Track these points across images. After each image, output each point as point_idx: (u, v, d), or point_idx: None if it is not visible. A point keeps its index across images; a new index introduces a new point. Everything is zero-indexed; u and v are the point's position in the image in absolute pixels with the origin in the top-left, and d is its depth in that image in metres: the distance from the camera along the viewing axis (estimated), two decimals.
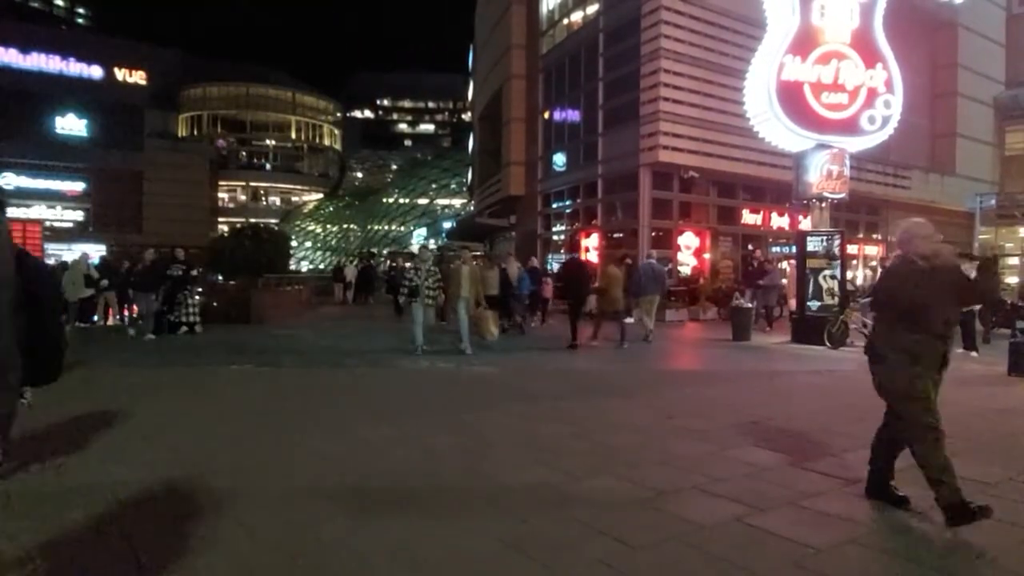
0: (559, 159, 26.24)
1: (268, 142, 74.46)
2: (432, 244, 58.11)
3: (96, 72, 59.18)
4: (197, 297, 13.64)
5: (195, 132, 69.23)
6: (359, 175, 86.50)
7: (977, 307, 12.14)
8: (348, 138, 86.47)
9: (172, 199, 56.98)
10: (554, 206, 27.44)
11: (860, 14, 13.67)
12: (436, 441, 5.37)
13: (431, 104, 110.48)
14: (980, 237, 28.82)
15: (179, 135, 66.93)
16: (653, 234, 21.49)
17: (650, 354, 11.89)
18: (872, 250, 27.76)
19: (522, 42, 28.51)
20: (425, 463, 4.78)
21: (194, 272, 13.80)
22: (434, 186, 62.75)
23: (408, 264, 10.99)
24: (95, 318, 15.80)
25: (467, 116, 64.81)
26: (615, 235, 23.36)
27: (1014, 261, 28.81)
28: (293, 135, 74.87)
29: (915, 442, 3.78)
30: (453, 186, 60.55)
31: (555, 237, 27.71)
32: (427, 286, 10.42)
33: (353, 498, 4.01)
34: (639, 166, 20.80)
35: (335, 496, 4.03)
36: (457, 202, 61.41)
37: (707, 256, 22.26)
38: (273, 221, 55.30)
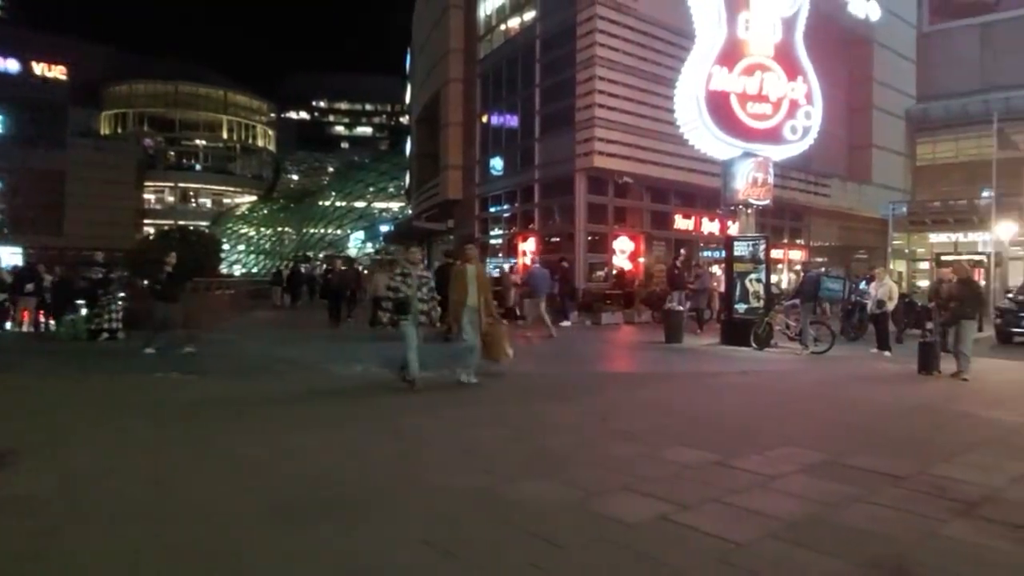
0: (497, 163, 26.35)
1: (198, 142, 72.02)
2: (370, 247, 57.43)
3: (12, 66, 56.00)
4: (120, 303, 13.03)
5: (120, 130, 66.28)
6: (294, 177, 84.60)
7: (890, 309, 12.85)
8: (283, 139, 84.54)
9: (95, 200, 54.37)
10: (492, 210, 27.54)
11: (782, 28, 14.27)
12: (368, 447, 5.30)
13: (368, 106, 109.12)
14: (894, 243, 30.45)
15: (103, 133, 63.92)
16: (589, 238, 21.83)
17: (585, 357, 12.06)
18: (796, 255, 28.96)
19: (460, 46, 28.52)
20: (355, 468, 4.71)
21: (114, 276, 13.19)
22: (371, 189, 61.97)
23: (395, 271, 8.38)
24: (8, 325, 14.90)
25: (405, 119, 64.35)
26: (552, 239, 23.61)
27: (924, 266, 30.57)
28: (225, 135, 72.63)
29: None
30: (391, 189, 59.92)
31: (493, 241, 27.78)
32: (421, 298, 7.88)
33: (278, 505, 3.91)
34: (575, 171, 21.12)
35: (258, 503, 3.92)
36: (395, 205, 60.80)
37: (641, 260, 22.76)
38: (204, 224, 53.44)
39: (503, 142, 26.25)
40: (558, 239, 23.36)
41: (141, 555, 3.23)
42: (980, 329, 11.25)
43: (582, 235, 21.57)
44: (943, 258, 21.62)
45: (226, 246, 49.35)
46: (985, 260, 22.82)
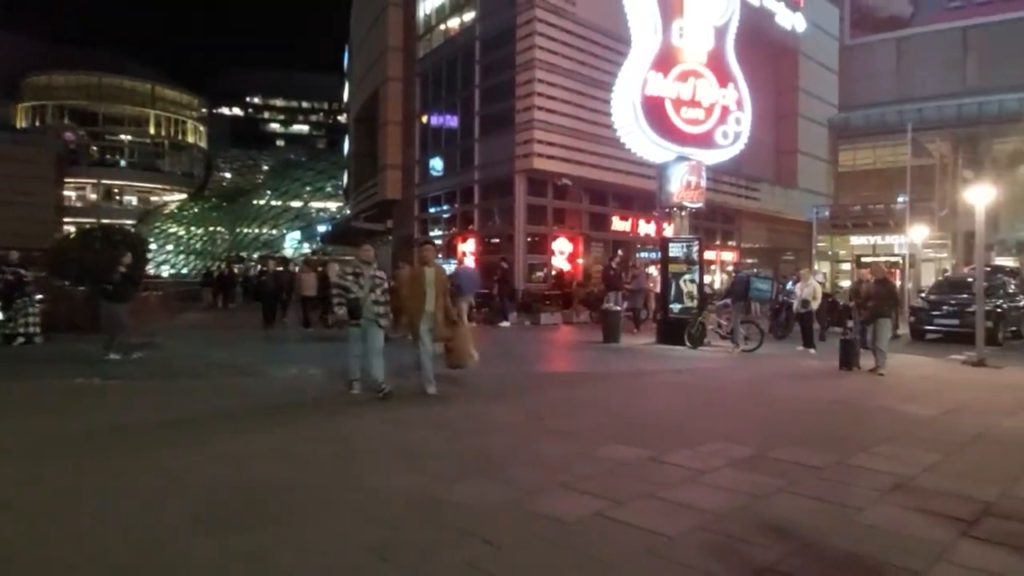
0: (436, 164, 26.23)
1: (124, 137, 68.86)
2: (306, 248, 56.19)
3: None
4: (37, 305, 12.32)
5: (37, 123, 62.70)
6: (227, 175, 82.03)
7: (814, 308, 13.42)
8: (215, 136, 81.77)
9: (11, 196, 51.17)
10: (431, 211, 27.40)
11: (715, 37, 14.72)
12: (304, 450, 5.19)
13: (305, 104, 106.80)
14: (818, 245, 31.84)
15: (19, 126, 60.33)
16: (528, 239, 21.98)
17: (524, 357, 12.13)
18: (728, 256, 29.91)
19: (399, 45, 28.27)
20: (288, 473, 4.61)
21: (28, 276, 12.46)
22: (308, 188, 60.72)
23: (345, 270, 7.67)
24: None
25: (343, 117, 63.25)
26: (492, 240, 23.66)
27: (846, 267, 32.08)
28: (152, 130, 69.71)
29: None
30: (328, 189, 58.88)
31: (432, 242, 27.60)
32: (375, 300, 7.28)
33: (210, 512, 3.79)
34: (514, 172, 21.23)
35: (190, 510, 3.79)
36: (332, 205, 59.76)
37: (580, 261, 23.06)
38: (129, 222, 51.17)
39: (443, 142, 26.16)
40: (498, 240, 23.42)
41: (56, 568, 3.08)
42: (896, 327, 11.87)
43: (521, 236, 21.70)
44: (863, 259, 22.72)
45: (153, 246, 47.41)
46: (900, 262, 24.13)
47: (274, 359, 10.41)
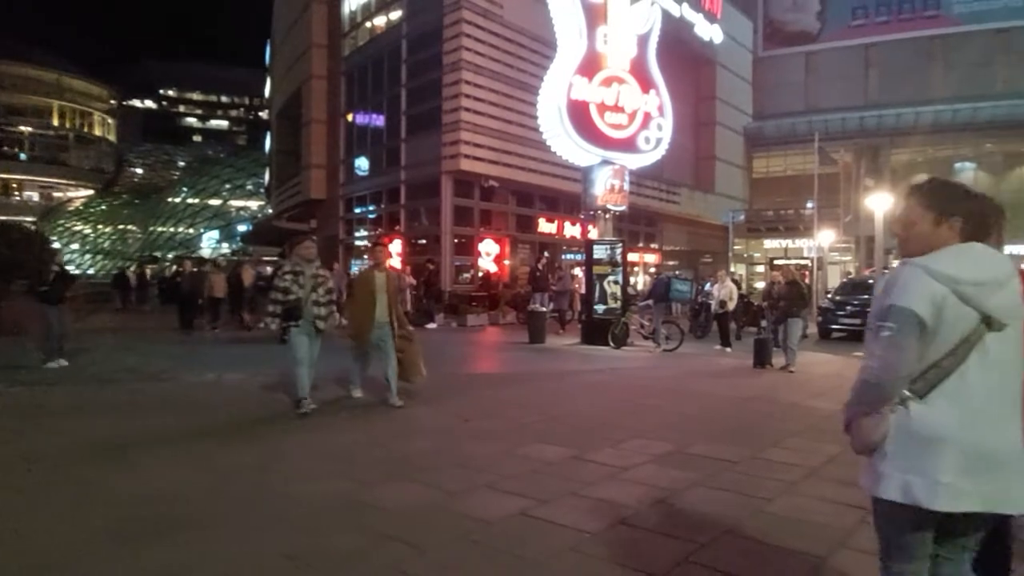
0: (362, 163, 25.83)
1: (24, 128, 64.39)
2: (226, 248, 54.13)
3: None
4: None
5: None
6: (139, 171, 77.87)
7: (731, 309, 13.97)
8: (126, 130, 77.61)
9: None
10: (357, 211, 26.95)
11: (637, 44, 15.12)
12: (223, 458, 4.99)
13: (224, 98, 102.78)
14: (734, 248, 33.20)
15: None
16: (455, 240, 21.93)
17: (451, 359, 12.09)
18: (650, 258, 30.76)
19: (323, 42, 27.68)
20: (207, 482, 4.42)
21: None
22: (228, 186, 58.50)
23: (284, 268, 6.78)
24: None
25: (264, 114, 61.35)
26: (418, 241, 23.48)
27: (760, 269, 33.57)
28: (56, 122, 65.53)
29: None
30: (249, 187, 56.92)
31: (358, 243, 27.18)
32: (316, 300, 6.57)
33: (118, 527, 3.59)
34: (441, 173, 21.15)
35: (94, 526, 3.58)
36: (253, 204, 57.81)
37: (507, 262, 23.19)
38: (29, 219, 47.92)
39: (368, 142, 25.77)
40: (424, 241, 23.26)
41: None
42: (806, 326, 12.50)
43: (448, 237, 21.64)
44: (775, 262, 23.86)
45: (56, 244, 44.49)
46: (809, 264, 25.45)
47: (190, 364, 9.96)
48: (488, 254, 22.66)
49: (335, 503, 4.03)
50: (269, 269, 18.03)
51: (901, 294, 1.90)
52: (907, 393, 1.90)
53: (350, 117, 26.79)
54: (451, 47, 20.86)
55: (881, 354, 1.91)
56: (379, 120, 25.15)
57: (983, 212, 1.99)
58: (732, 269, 27.92)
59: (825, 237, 25.65)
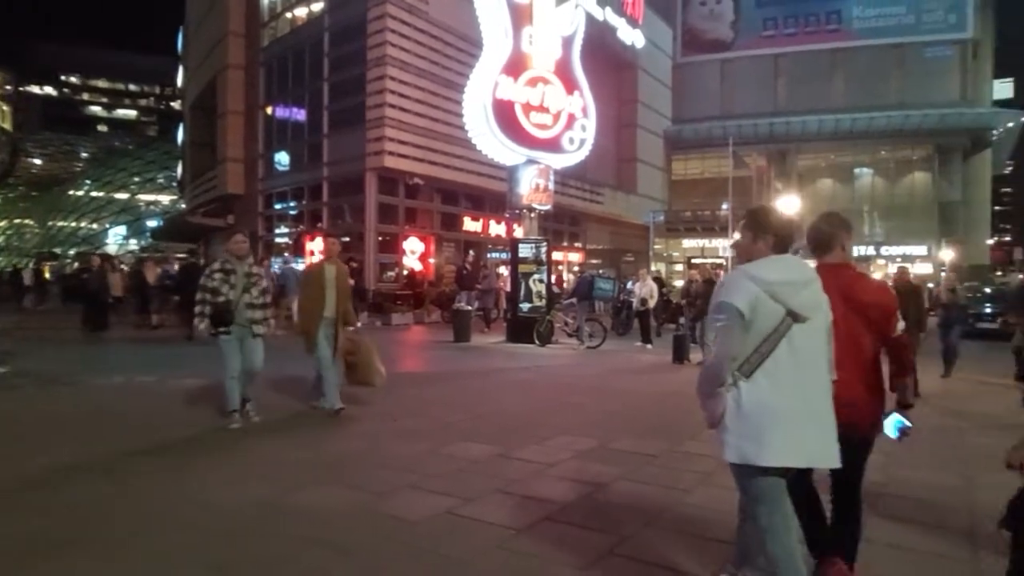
0: (282, 158, 25.09)
1: None
2: (134, 244, 51.37)
3: None
4: None
5: None
6: (37, 161, 72.69)
7: (652, 306, 14.39)
8: (23, 117, 72.31)
9: None
10: (277, 207, 26.14)
11: (562, 46, 15.35)
12: (133, 463, 4.75)
13: (133, 87, 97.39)
14: (654, 247, 34.22)
15: None
16: (380, 238, 21.63)
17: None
18: (574, 256, 31.27)
19: (241, 30, 26.68)
20: (117, 492, 4.20)
21: None
22: (137, 179, 55.56)
23: (213, 267, 5.96)
24: None
25: (177, 104, 58.60)
26: (342, 239, 22.99)
27: (679, 267, 34.73)
28: None
29: None
30: (160, 180, 54.24)
31: (278, 240, 26.37)
32: (251, 302, 5.94)
33: (31, 537, 3.36)
34: (365, 170, 20.81)
35: (4, 536, 3.34)
36: (165, 198, 55.16)
37: (432, 260, 23.06)
38: None
39: (289, 136, 25.04)
40: (348, 239, 22.83)
41: None
42: None
43: (372, 235, 21.32)
44: (693, 261, 24.76)
45: None
46: (725, 263, 26.55)
47: (96, 367, 9.41)
48: (413, 252, 22.47)
49: (258, 510, 3.91)
50: (176, 267, 17.25)
51: (728, 293, 2.42)
52: (737, 375, 2.39)
53: (269, 110, 25.94)
54: (375, 42, 20.54)
55: (715, 340, 2.45)
56: (300, 114, 24.48)
57: (789, 231, 2.55)
58: (653, 268, 28.76)
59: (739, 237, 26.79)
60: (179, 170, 41.15)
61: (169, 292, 15.00)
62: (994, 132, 36.57)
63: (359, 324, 16.78)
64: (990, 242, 43.96)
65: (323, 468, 4.79)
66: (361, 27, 20.95)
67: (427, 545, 3.41)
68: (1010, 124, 36.27)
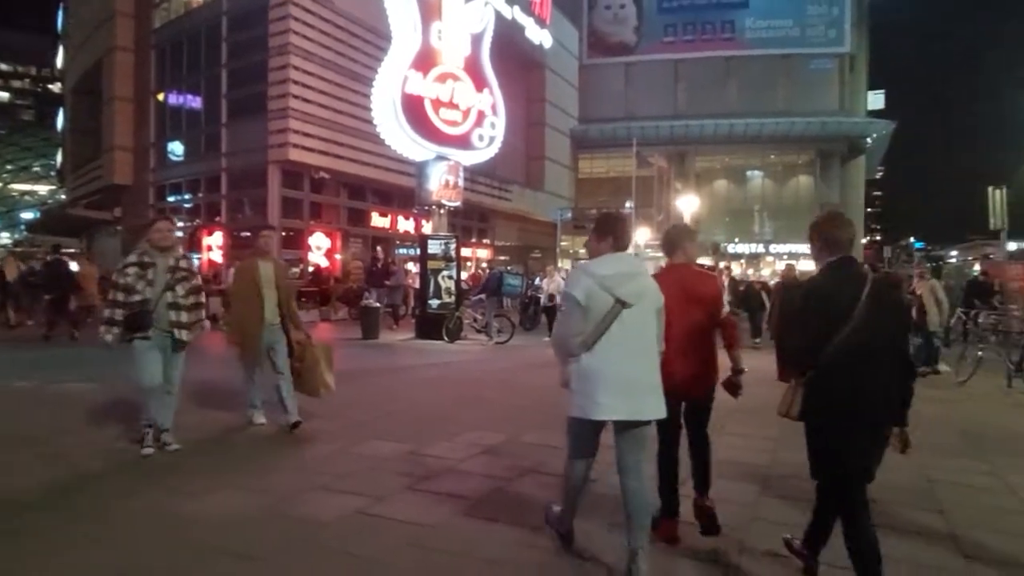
0: (176, 148, 23.77)
1: None
2: (6, 238, 47.18)
3: None
4: None
5: None
6: None
7: (559, 302, 14.71)
8: None
9: None
10: (170, 199, 24.75)
11: (472, 43, 15.40)
12: (22, 471, 4.41)
13: (5, 66, 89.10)
14: (561, 244, 34.89)
15: None
16: (283, 233, 20.93)
17: None
18: (483, 253, 31.43)
19: (130, 10, 25.04)
20: (3, 496, 3.90)
21: None
22: (10, 167, 51.13)
23: (128, 259, 4.93)
24: None
25: (57, 87, 54.24)
26: (242, 234, 22.11)
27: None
28: None
29: None
30: (37, 169, 50.14)
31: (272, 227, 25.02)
32: (175, 302, 4.92)
33: None
34: (268, 162, 20.08)
35: None
36: (43, 188, 51.02)
37: (338, 256, 22.56)
38: None
39: (184, 125, 23.76)
40: (249, 234, 21.95)
41: None
42: None
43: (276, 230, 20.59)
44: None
45: None
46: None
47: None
48: (319, 248, 21.90)
49: (153, 517, 3.74)
50: (38, 264, 16.03)
51: (570, 286, 3.08)
52: (580, 347, 2.96)
53: (161, 96, 24.51)
54: (278, 29, 19.83)
55: (559, 321, 3.18)
56: (196, 102, 23.28)
57: (627, 234, 3.18)
58: (559, 264, 29.36)
59: (642, 235, 27.79)
60: (59, 158, 38.11)
61: (35, 289, 13.96)
62: (868, 140, 39.69)
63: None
64: (864, 241, 47.67)
65: (223, 472, 4.62)
66: (262, 13, 20.16)
67: (336, 546, 3.39)
68: (881, 132, 39.50)
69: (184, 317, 4.95)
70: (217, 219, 22.43)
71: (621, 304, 2.90)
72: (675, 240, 3.83)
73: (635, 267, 3.08)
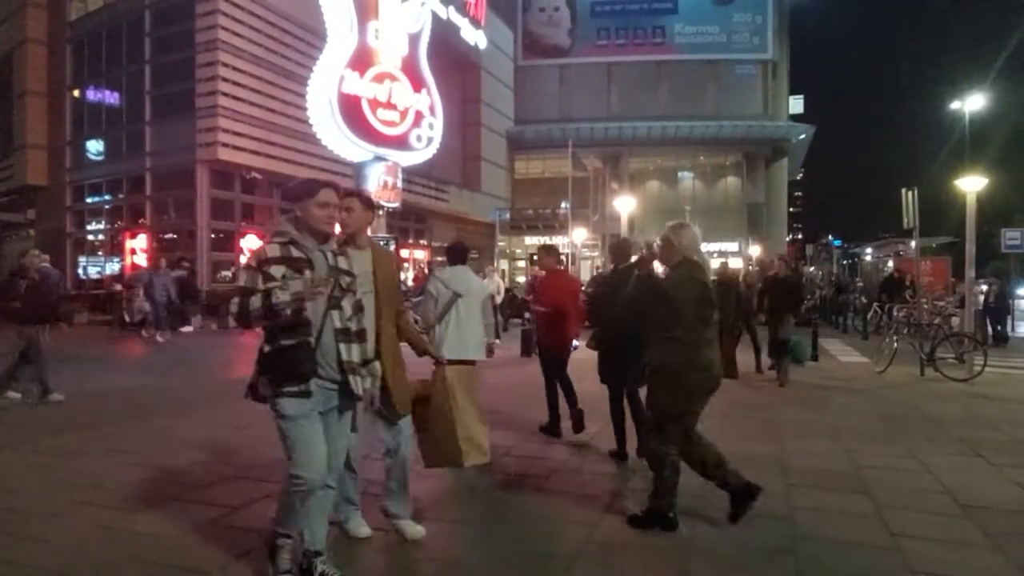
0: (95, 146, 22.65)
1: None
2: None
3: None
4: None
5: None
6: None
7: (499, 302, 14.82)
8: None
9: None
10: (89, 201, 23.55)
11: (408, 43, 15.35)
12: None
13: None
14: (499, 244, 35.06)
15: None
16: (213, 236, 20.27)
17: (210, 365, 11.25)
18: (420, 254, 31.24)
19: (42, 1, 23.66)
20: None
21: None
22: None
23: (265, 254, 2.82)
24: None
25: None
26: (168, 236, 21.30)
27: (522, 264, 35.88)
28: None
29: None
30: None
31: (91, 237, 23.82)
32: (344, 327, 2.93)
33: None
34: (196, 162, 19.39)
35: None
36: None
37: None
38: None
39: (104, 122, 22.64)
40: (175, 236, 21.16)
41: None
42: None
43: (205, 232, 19.89)
44: (535, 258, 25.68)
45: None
46: (564, 259, 27.80)
47: None
48: (251, 250, 21.26)
49: (97, 531, 3.61)
50: None
51: (427, 286, 4.78)
52: (437, 323, 4.45)
53: (77, 92, 23.29)
54: (205, 24, 19.14)
55: (421, 309, 4.73)
56: (116, 98, 22.23)
57: (463, 254, 4.84)
58: (497, 264, 29.48)
59: (578, 235, 28.23)
60: None
61: None
62: (791, 142, 41.52)
63: (190, 328, 15.76)
64: (787, 239, 49.84)
65: (162, 484, 4.49)
66: (188, 8, 19.41)
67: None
68: (802, 136, 41.38)
69: (356, 354, 2.99)
70: (141, 221, 21.48)
71: (458, 296, 4.49)
72: (549, 257, 6.64)
73: (466, 275, 4.73)
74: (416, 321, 4.73)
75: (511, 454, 5.35)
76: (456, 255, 4.78)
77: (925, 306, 13.29)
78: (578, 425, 5.77)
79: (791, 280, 10.03)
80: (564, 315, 5.99)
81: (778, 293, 9.55)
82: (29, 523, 3.73)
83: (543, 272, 6.74)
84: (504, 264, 35.12)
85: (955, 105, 15.66)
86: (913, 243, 14.89)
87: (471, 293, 4.60)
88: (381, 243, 13.90)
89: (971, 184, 10.87)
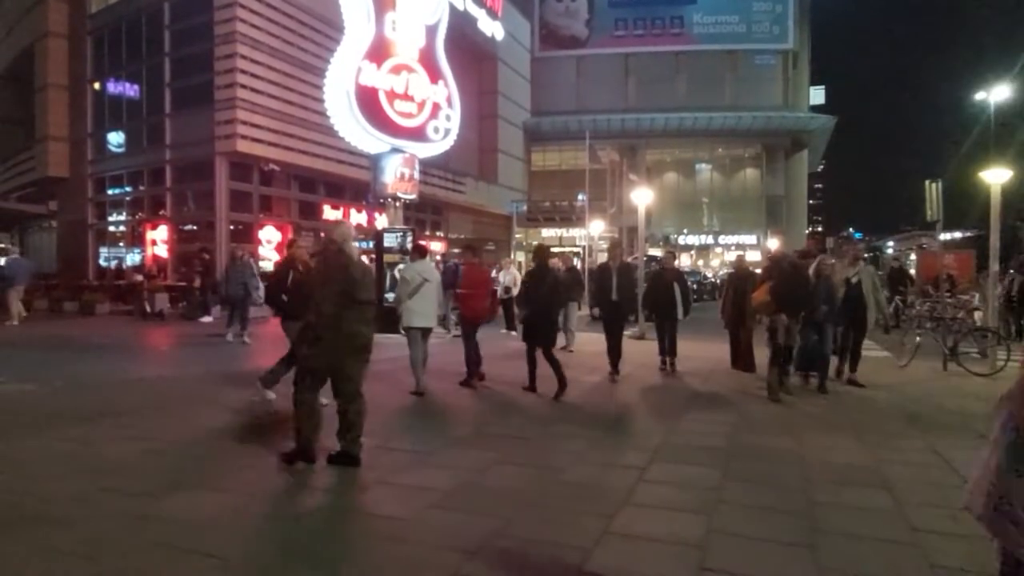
0: (115, 139, 22.91)
1: None
2: None
3: None
4: None
5: None
6: None
7: (515, 294, 14.77)
8: None
9: None
10: (111, 192, 23.85)
11: (426, 34, 15.29)
12: None
13: None
14: (516, 236, 35.04)
15: None
16: (232, 227, 20.45)
17: (231, 356, 11.35)
18: (437, 246, 31.28)
19: None
20: None
21: None
22: None
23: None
24: None
25: None
26: (188, 227, 21.52)
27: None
28: None
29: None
30: None
31: (112, 228, 24.13)
32: None
33: None
34: (215, 154, 19.54)
35: None
36: None
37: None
38: None
39: (124, 115, 22.88)
40: (196, 228, 21.37)
41: None
42: (580, 308, 13.65)
43: (224, 224, 20.06)
44: (553, 249, 25.63)
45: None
46: (581, 251, 27.75)
47: None
48: (269, 241, 21.44)
49: (120, 518, 3.66)
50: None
51: (401, 273, 8.50)
52: (408, 300, 7.13)
53: (98, 85, 23.53)
54: (223, 16, 19.25)
55: (398, 288, 7.57)
56: (136, 91, 22.44)
57: (423, 252, 7.71)
58: (514, 256, 29.48)
59: (595, 227, 28.13)
60: None
61: None
62: (810, 134, 41.01)
63: (209, 319, 15.90)
64: (806, 232, 49.32)
65: (189, 472, 4.54)
66: (207, 0, 19.54)
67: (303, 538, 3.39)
68: (823, 127, 40.85)
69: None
70: (162, 212, 21.72)
71: (424, 280, 7.02)
72: (473, 251, 8.87)
73: (426, 265, 7.37)
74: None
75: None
76: (419, 252, 7.63)
77: (948, 300, 13.09)
78: (479, 376, 8.12)
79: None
80: (478, 295, 8.21)
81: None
82: (54, 509, 3.80)
83: (464, 265, 9.05)
84: (521, 256, 35.09)
85: (980, 96, 15.36)
86: (942, 236, 14.60)
87: (434, 280, 7.29)
88: (397, 235, 13.98)
89: (996, 176, 10.67)
